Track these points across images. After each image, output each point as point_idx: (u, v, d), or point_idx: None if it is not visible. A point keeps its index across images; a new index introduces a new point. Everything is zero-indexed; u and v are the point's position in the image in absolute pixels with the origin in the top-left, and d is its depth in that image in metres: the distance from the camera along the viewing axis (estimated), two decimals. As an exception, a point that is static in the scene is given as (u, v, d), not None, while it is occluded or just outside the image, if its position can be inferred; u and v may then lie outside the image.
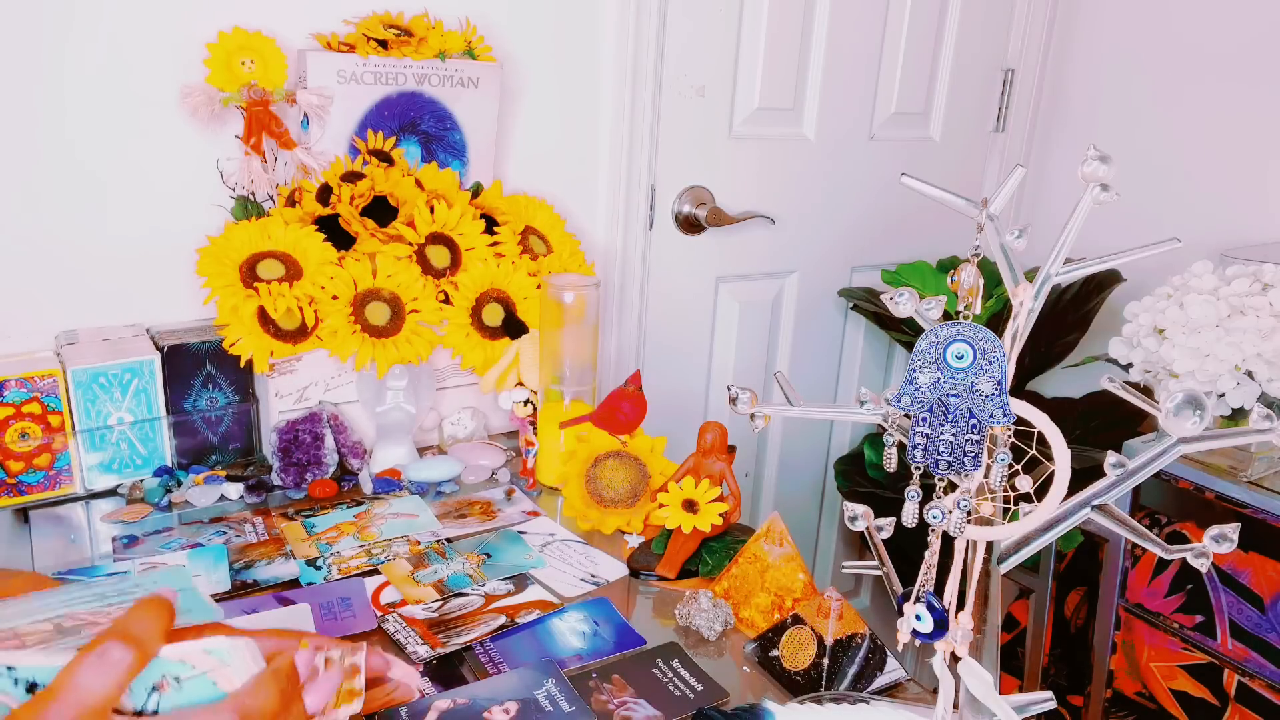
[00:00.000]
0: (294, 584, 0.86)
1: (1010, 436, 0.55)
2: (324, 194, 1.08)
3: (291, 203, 1.10)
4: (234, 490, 1.02)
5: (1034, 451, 0.56)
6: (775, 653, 0.78)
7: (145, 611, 0.44)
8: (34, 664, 0.42)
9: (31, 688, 0.42)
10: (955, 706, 0.62)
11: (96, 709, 0.41)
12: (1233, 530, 0.52)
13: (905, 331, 1.66)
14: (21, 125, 1.02)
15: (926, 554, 0.59)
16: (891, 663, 0.77)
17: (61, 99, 1.03)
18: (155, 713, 0.44)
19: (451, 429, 1.20)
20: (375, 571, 0.89)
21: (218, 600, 0.83)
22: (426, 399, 1.13)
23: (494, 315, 1.12)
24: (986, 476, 0.57)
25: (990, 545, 0.61)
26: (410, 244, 1.09)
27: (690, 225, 1.54)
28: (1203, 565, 0.54)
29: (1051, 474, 0.56)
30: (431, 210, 1.10)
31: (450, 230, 1.12)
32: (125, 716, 0.43)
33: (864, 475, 1.73)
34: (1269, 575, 1.17)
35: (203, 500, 1.00)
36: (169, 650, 0.45)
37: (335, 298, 1.03)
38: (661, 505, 0.94)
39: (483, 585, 0.87)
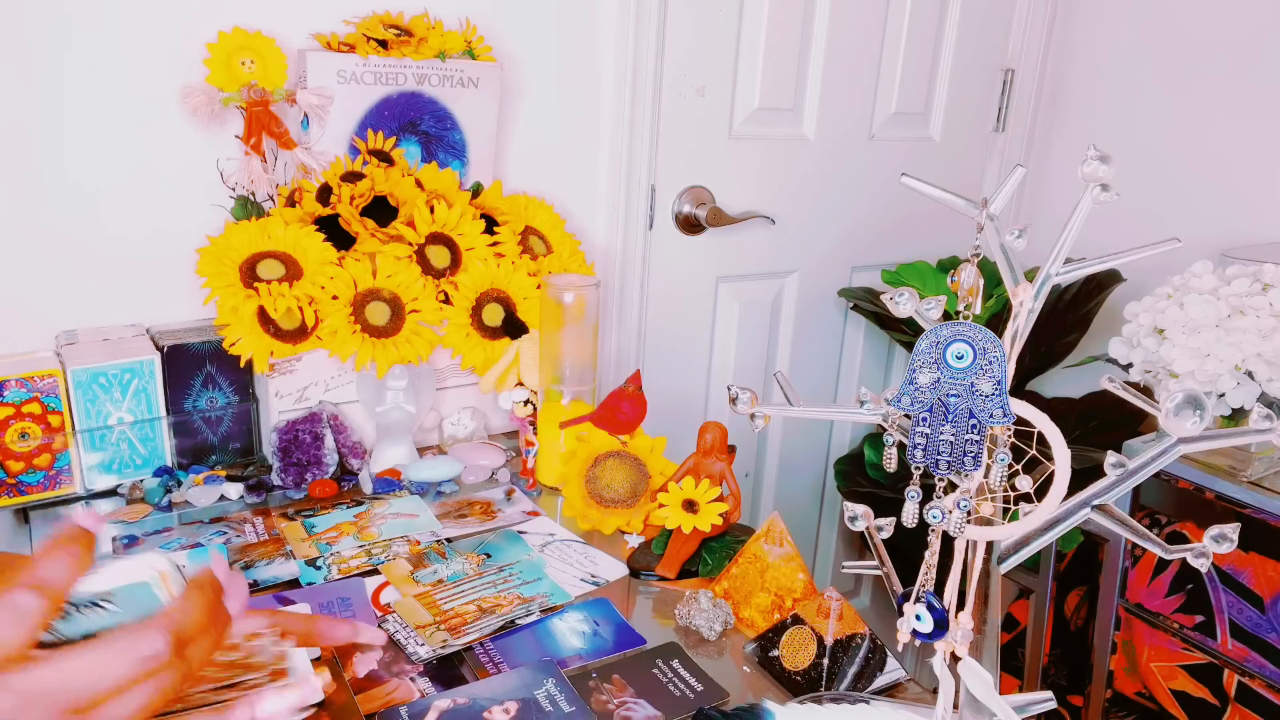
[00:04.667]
0: (294, 584, 0.86)
1: (1010, 436, 0.55)
2: (324, 194, 1.08)
3: (291, 203, 1.10)
4: (234, 490, 1.02)
5: (1034, 451, 0.56)
6: (775, 653, 0.78)
7: (57, 555, 0.45)
8: None
9: None
10: (955, 706, 0.62)
11: (10, 656, 0.42)
12: (1233, 530, 0.52)
13: (905, 331, 1.66)
14: (21, 125, 1.02)
15: (926, 554, 0.59)
16: (891, 663, 0.77)
17: (61, 99, 1.03)
18: (84, 635, 0.44)
19: (451, 429, 1.20)
20: (375, 571, 0.89)
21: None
22: (426, 399, 1.13)
23: (494, 315, 1.12)
24: (986, 476, 0.57)
25: (990, 545, 0.61)
26: (410, 244, 1.09)
27: (690, 225, 1.54)
28: (1203, 565, 0.54)
29: (1051, 474, 0.56)
30: (431, 210, 1.10)
31: (450, 230, 1.12)
32: (47, 649, 0.43)
33: (864, 475, 1.73)
34: (1269, 575, 1.17)
35: (203, 500, 1.00)
36: (95, 580, 0.44)
37: (335, 298, 1.03)
38: (661, 505, 0.94)
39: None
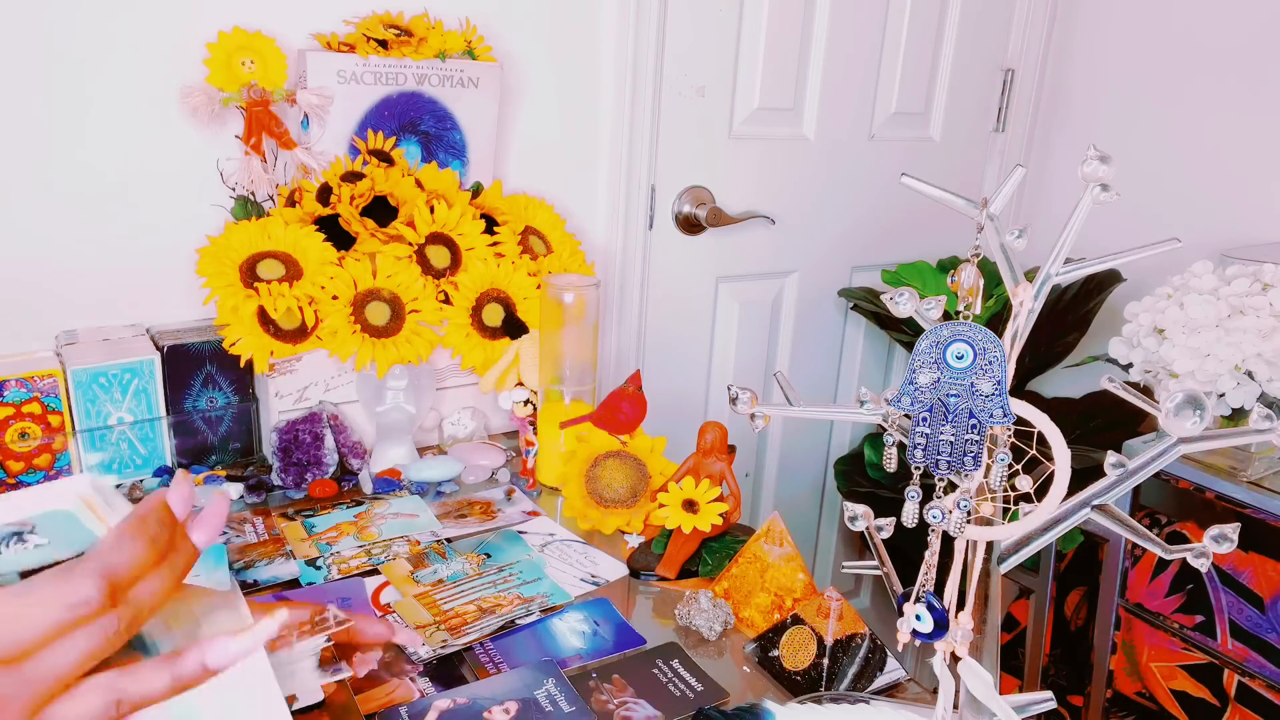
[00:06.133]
0: (294, 584, 0.86)
1: (1010, 436, 0.55)
2: (324, 194, 1.08)
3: (291, 203, 1.10)
4: (234, 490, 1.02)
5: (1034, 451, 0.56)
6: (775, 653, 0.78)
7: None
8: None
9: None
10: (955, 706, 0.62)
11: None
12: (1233, 530, 0.52)
13: (905, 331, 1.66)
14: (21, 126, 1.02)
15: (926, 554, 0.59)
16: (891, 663, 0.77)
17: (61, 99, 1.03)
18: None
19: (451, 429, 1.20)
20: (375, 571, 0.89)
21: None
22: (426, 399, 1.13)
23: (494, 315, 1.13)
24: (986, 476, 0.57)
25: (990, 545, 0.61)
26: (410, 244, 1.09)
27: (690, 225, 1.54)
28: (1203, 565, 0.54)
29: (1051, 474, 0.56)
30: (431, 210, 1.10)
31: (450, 230, 1.12)
32: None
33: (864, 475, 1.73)
34: (1269, 575, 1.17)
35: (203, 500, 1.00)
36: (6, 508, 0.39)
37: (335, 298, 1.03)
38: (661, 505, 0.94)
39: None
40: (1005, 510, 0.59)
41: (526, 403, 1.10)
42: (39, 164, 1.03)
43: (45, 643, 0.38)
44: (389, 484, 1.06)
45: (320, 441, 1.05)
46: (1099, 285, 1.61)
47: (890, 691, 0.76)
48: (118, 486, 1.01)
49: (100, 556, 0.39)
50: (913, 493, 0.57)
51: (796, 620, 0.78)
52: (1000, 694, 0.59)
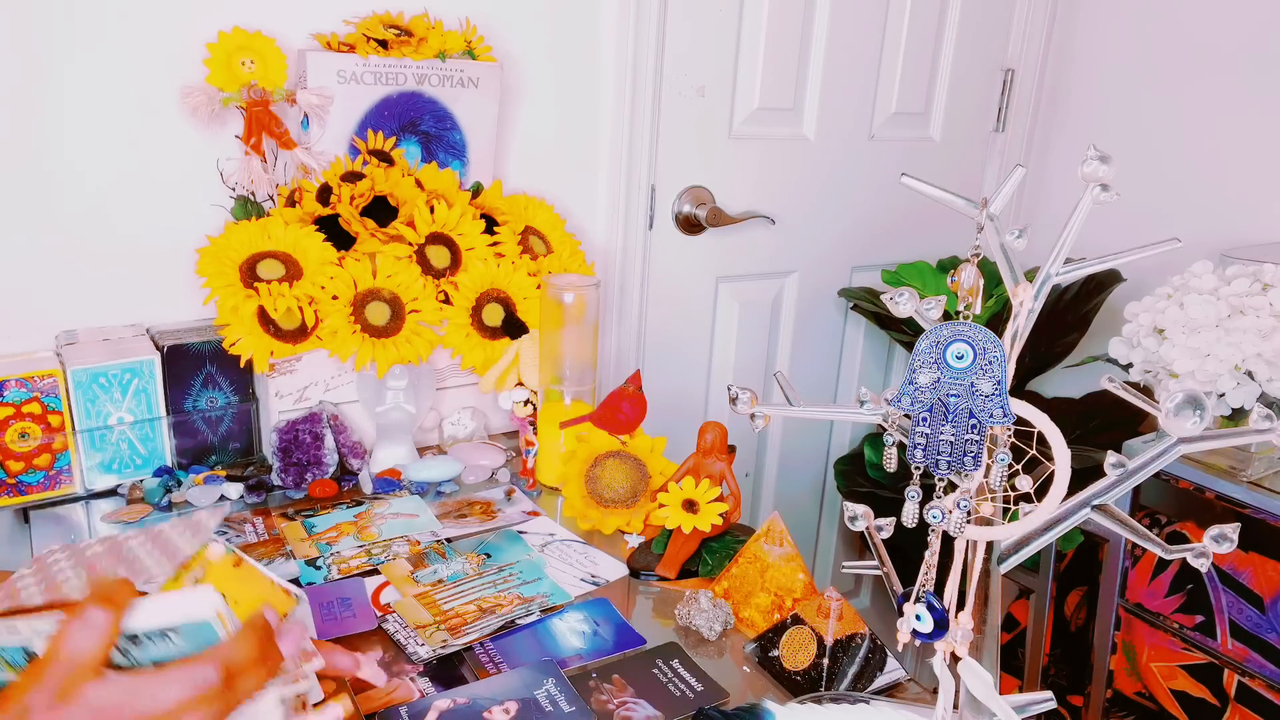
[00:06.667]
0: (294, 584, 0.86)
1: (1010, 436, 0.55)
2: (324, 194, 1.08)
3: (291, 203, 1.10)
4: (234, 490, 1.02)
5: (1034, 451, 0.56)
6: (775, 653, 0.78)
7: (111, 581, 0.49)
8: (32, 630, 0.48)
9: (31, 657, 0.47)
10: (955, 706, 0.62)
11: (88, 666, 0.45)
12: (1233, 530, 0.52)
13: (905, 331, 1.66)
14: (22, 126, 1.02)
15: (926, 554, 0.59)
16: (891, 663, 0.77)
17: (62, 100, 1.03)
18: (141, 663, 0.49)
19: (451, 429, 1.20)
20: (375, 571, 0.89)
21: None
22: (426, 399, 1.13)
23: (494, 315, 1.12)
24: (986, 476, 0.57)
25: (990, 545, 0.61)
26: (410, 244, 1.09)
27: (690, 225, 1.54)
28: (1203, 565, 0.54)
29: (1051, 474, 0.56)
30: (431, 210, 1.10)
31: (450, 230, 1.12)
32: (115, 670, 0.47)
33: (864, 475, 1.73)
34: (1269, 575, 1.17)
35: (203, 500, 1.00)
36: (150, 609, 0.48)
37: (335, 298, 1.03)
38: (661, 505, 0.94)
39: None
40: (1005, 510, 0.59)
41: (526, 403, 1.10)
42: (39, 164, 1.03)
43: (173, 715, 0.47)
44: (389, 484, 1.06)
45: (320, 441, 1.05)
46: (1099, 285, 1.60)
47: (890, 691, 0.76)
48: (117, 487, 1.01)
49: (222, 650, 0.49)
50: (913, 493, 0.57)
51: (796, 620, 0.78)
52: (1000, 694, 0.59)
